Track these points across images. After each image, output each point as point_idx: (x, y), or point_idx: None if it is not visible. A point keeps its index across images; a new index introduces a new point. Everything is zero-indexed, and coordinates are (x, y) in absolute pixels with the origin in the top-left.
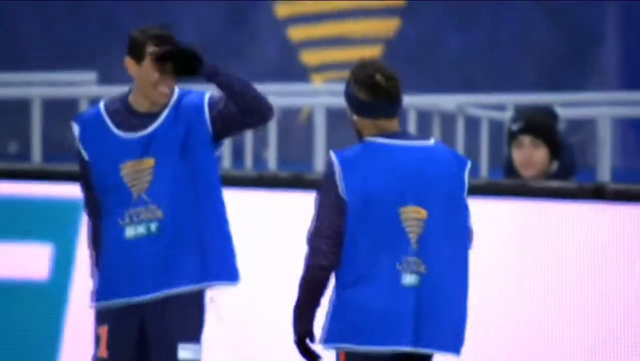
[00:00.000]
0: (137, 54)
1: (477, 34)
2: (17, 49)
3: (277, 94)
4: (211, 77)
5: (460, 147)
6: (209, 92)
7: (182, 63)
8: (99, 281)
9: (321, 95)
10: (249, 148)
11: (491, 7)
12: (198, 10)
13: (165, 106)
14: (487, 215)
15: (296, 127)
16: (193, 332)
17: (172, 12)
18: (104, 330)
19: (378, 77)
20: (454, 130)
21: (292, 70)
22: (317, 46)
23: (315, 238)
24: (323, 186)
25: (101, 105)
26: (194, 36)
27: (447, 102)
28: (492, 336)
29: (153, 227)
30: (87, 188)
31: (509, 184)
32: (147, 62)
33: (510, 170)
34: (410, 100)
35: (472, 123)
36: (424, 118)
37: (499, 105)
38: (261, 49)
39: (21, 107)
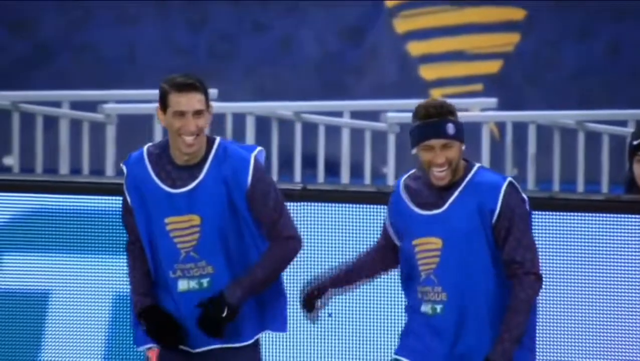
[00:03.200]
0: (163, 104)
1: (596, 49)
2: (136, 61)
3: (396, 109)
4: (240, 304)
5: (580, 163)
6: (251, 161)
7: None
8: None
9: None
10: (368, 164)
11: (610, 22)
12: (317, 28)
13: (204, 159)
14: (608, 231)
15: None
16: None
17: (292, 30)
18: (154, 352)
19: None
20: (575, 145)
21: (411, 85)
22: (436, 61)
23: (539, 264)
24: (528, 218)
25: (144, 152)
26: (314, 53)
27: (567, 117)
28: (621, 346)
29: (205, 282)
30: (129, 230)
31: (630, 200)
32: (170, 111)
33: (631, 185)
34: (529, 115)
35: (593, 139)
36: (544, 133)
37: (620, 120)
38: (380, 64)
39: (143, 122)
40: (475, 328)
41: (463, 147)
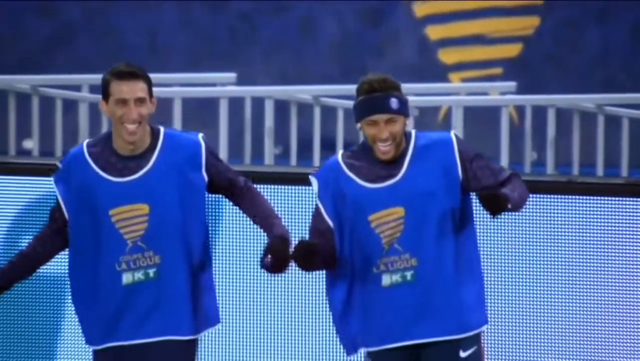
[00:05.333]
0: (105, 93)
1: (617, 32)
2: (157, 45)
3: (415, 93)
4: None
5: (600, 146)
6: (202, 142)
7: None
8: (95, 324)
9: (459, 94)
10: None
11: (632, 4)
12: (337, 11)
13: (151, 148)
14: (627, 215)
15: (435, 126)
16: None
17: (312, 12)
18: None
19: None
20: (594, 129)
21: (430, 69)
22: (455, 45)
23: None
24: None
25: (84, 146)
26: (334, 36)
27: (587, 101)
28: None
29: (151, 272)
30: (54, 219)
31: None
32: (112, 100)
33: None
34: (549, 99)
35: (613, 122)
36: (564, 116)
37: None
38: (400, 48)
39: (162, 106)
40: (446, 285)
41: (407, 121)
